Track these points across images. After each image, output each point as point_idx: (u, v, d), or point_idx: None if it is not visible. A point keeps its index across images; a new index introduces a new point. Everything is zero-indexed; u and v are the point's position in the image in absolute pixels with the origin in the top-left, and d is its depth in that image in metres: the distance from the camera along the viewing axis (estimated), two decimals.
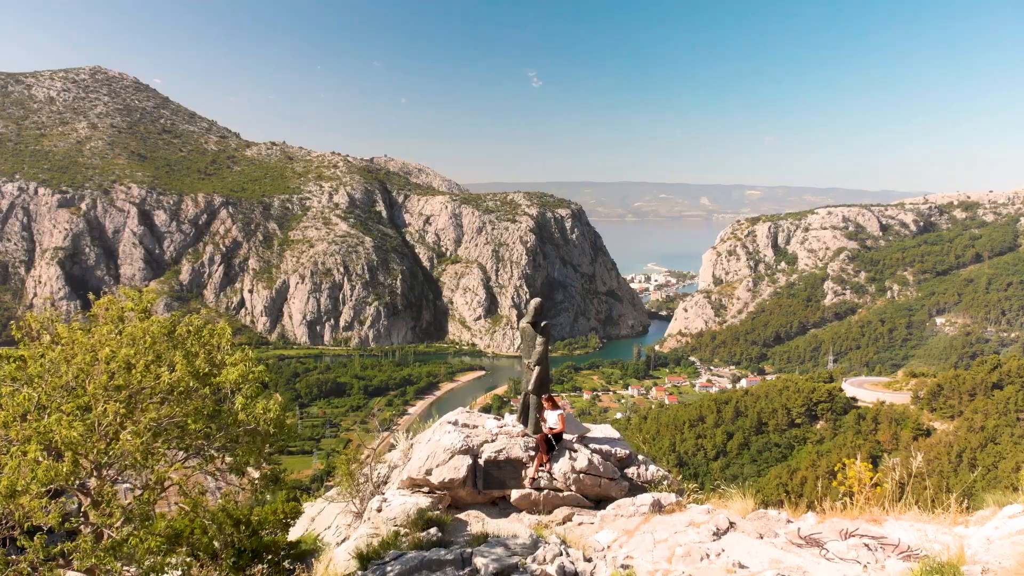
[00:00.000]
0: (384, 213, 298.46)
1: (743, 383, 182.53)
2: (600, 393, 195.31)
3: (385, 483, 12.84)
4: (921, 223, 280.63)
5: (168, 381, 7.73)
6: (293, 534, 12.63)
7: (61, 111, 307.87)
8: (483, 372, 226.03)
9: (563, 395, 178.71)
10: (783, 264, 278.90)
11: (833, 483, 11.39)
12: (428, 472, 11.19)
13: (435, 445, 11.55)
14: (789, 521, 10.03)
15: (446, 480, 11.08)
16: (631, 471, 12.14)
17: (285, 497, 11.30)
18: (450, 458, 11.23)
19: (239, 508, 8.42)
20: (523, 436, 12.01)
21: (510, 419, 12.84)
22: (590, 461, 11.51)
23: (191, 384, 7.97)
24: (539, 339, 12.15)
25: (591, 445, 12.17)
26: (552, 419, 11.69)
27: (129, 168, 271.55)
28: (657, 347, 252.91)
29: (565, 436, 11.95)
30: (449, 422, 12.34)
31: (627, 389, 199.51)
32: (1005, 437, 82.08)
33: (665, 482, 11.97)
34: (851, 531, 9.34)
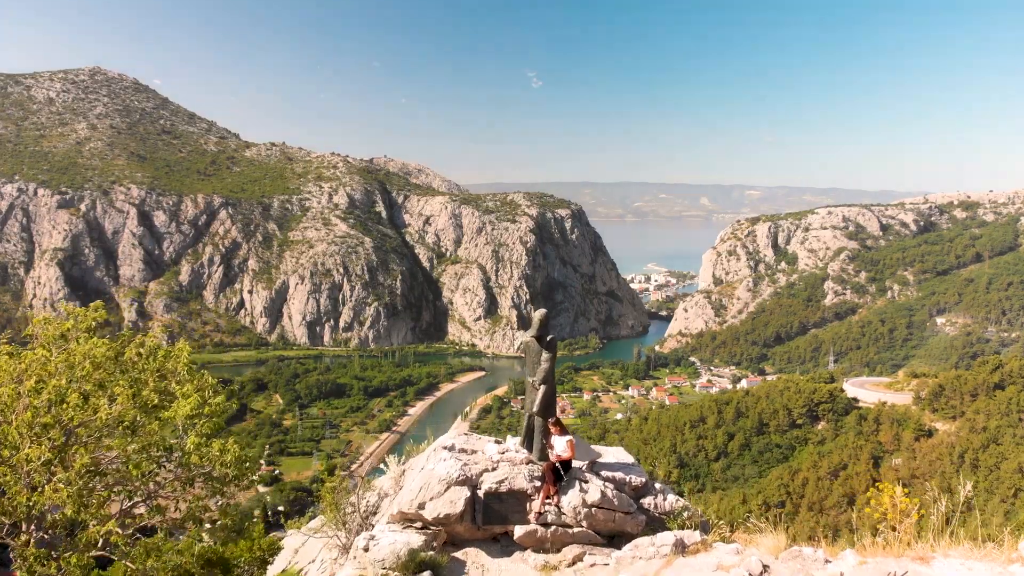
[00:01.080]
0: (384, 213, 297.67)
1: (743, 383, 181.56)
2: (600, 394, 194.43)
3: (374, 513, 11.65)
4: (921, 223, 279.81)
5: (107, 416, 6.57)
6: (275, 568, 11.56)
7: (60, 112, 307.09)
8: (483, 372, 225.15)
9: (563, 396, 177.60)
10: (783, 264, 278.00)
11: (866, 509, 10.41)
12: (421, 506, 9.97)
13: (429, 475, 10.29)
14: (827, 561, 8.95)
15: (441, 515, 9.85)
16: (647, 501, 10.94)
17: (263, 531, 10.23)
18: (445, 490, 10.00)
19: (195, 558, 7.29)
20: (527, 463, 10.77)
21: (512, 443, 11.57)
22: (603, 493, 10.27)
23: (137, 418, 6.82)
24: (544, 355, 10.87)
25: (603, 473, 10.92)
26: (560, 446, 10.42)
27: (128, 169, 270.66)
28: (657, 347, 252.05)
29: (574, 463, 10.76)
30: (445, 447, 11.07)
31: (627, 390, 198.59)
32: (1007, 438, 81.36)
33: (686, 513, 10.76)
34: (899, 575, 8.31)
